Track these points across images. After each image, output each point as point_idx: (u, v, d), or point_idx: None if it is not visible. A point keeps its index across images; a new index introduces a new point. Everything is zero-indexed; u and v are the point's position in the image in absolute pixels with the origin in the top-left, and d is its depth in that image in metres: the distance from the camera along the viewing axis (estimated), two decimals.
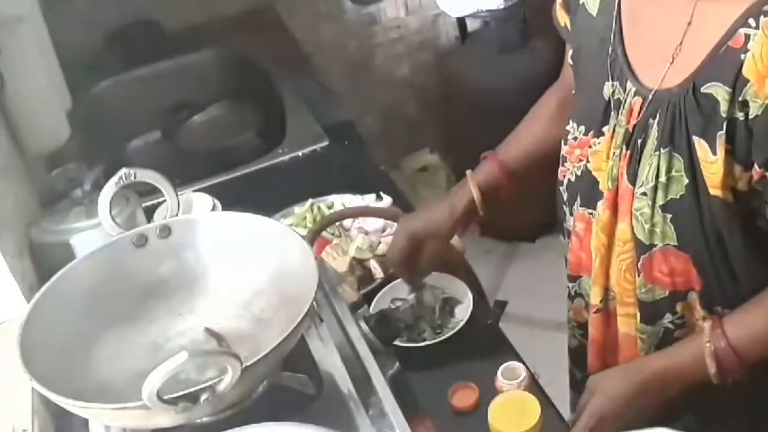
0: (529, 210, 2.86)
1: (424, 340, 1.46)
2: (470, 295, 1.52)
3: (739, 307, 1.16)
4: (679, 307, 1.20)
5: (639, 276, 1.19)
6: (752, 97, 1.03)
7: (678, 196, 1.12)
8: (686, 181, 1.11)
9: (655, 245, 1.16)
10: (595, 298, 1.27)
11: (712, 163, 1.08)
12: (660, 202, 1.13)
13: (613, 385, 1.19)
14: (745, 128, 1.05)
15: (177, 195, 1.23)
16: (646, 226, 1.15)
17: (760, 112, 1.03)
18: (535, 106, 1.48)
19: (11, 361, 1.01)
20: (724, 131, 1.06)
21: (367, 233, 1.68)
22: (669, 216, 1.13)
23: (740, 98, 1.04)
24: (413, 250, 1.41)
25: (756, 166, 1.07)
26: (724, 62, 1.05)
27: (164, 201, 1.24)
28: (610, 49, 1.20)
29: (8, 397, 1.20)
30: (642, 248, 1.17)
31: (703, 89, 1.07)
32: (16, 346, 1.02)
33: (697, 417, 1.27)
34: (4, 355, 1.22)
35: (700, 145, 1.08)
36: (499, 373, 1.31)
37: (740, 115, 1.05)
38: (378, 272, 1.61)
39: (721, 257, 1.14)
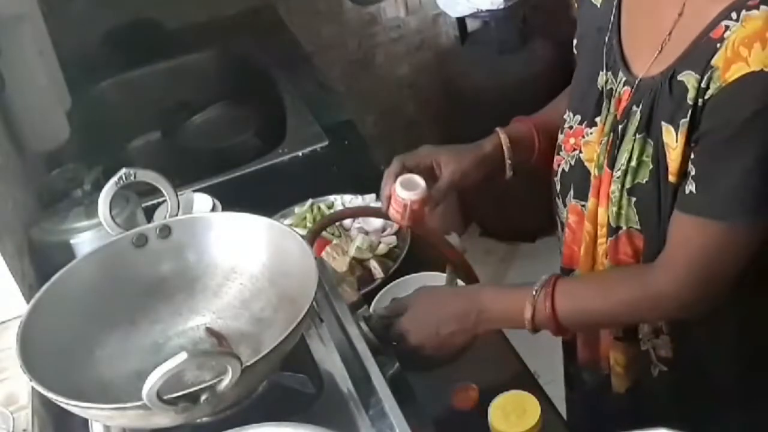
0: (529, 210, 2.86)
1: None
2: None
3: (577, 276, 1.20)
4: None
5: (606, 259, 1.20)
6: (714, 80, 1.04)
7: (643, 181, 1.13)
8: (651, 166, 1.12)
9: (621, 228, 1.17)
10: None
11: (674, 149, 1.09)
12: (627, 185, 1.15)
13: (429, 307, 1.24)
14: (700, 111, 1.06)
15: (177, 195, 1.23)
16: (614, 209, 1.16)
17: (714, 93, 1.04)
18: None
19: (11, 361, 1.01)
20: (687, 119, 1.07)
21: (367, 233, 1.68)
22: (633, 199, 1.15)
23: (704, 85, 1.05)
24: (433, 159, 1.32)
25: (691, 142, 1.07)
26: (701, 52, 1.06)
27: (164, 201, 1.24)
28: (606, 39, 1.21)
29: (8, 397, 1.20)
30: (610, 231, 1.19)
31: (678, 77, 1.08)
32: (16, 346, 1.02)
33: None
34: (4, 355, 1.22)
35: (668, 132, 1.10)
36: (397, 183, 1.26)
37: (700, 101, 1.06)
38: (378, 272, 1.61)
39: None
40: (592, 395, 1.41)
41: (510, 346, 1.45)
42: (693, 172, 1.07)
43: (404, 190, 1.25)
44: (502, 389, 1.27)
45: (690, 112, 1.06)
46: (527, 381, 1.36)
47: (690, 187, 1.07)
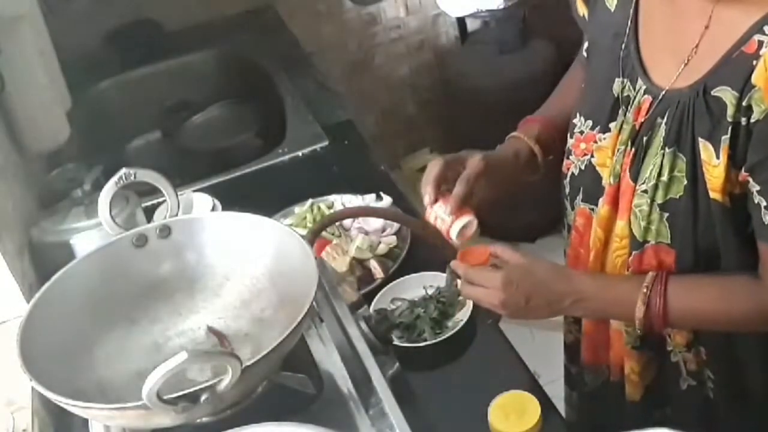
0: (529, 210, 2.86)
1: (424, 340, 1.46)
2: None
3: (690, 276, 1.15)
4: None
5: (628, 271, 1.19)
6: (756, 102, 1.03)
7: (677, 197, 1.12)
8: (685, 182, 1.11)
9: (648, 242, 1.16)
10: None
11: (715, 167, 1.08)
12: (659, 200, 1.13)
13: (528, 275, 1.18)
14: (745, 132, 1.05)
15: (177, 195, 1.23)
16: (643, 223, 1.15)
17: (761, 117, 1.03)
18: (566, 75, 1.45)
19: (11, 361, 1.01)
20: (728, 136, 1.06)
21: (367, 233, 1.68)
22: (666, 215, 1.13)
23: (744, 103, 1.04)
24: (483, 170, 1.28)
25: (743, 169, 1.07)
26: (736, 67, 1.05)
27: (164, 201, 1.24)
28: (623, 45, 1.20)
29: (8, 397, 1.20)
30: (635, 244, 1.17)
31: (713, 92, 1.07)
32: (16, 346, 1.02)
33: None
34: (4, 355, 1.22)
35: (706, 148, 1.08)
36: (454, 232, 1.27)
37: (743, 120, 1.04)
38: (378, 272, 1.61)
39: (706, 260, 1.14)
40: (596, 398, 1.41)
41: (510, 346, 1.45)
42: (765, 203, 1.06)
43: (458, 239, 1.27)
44: (502, 389, 1.28)
45: (730, 129, 1.05)
46: (527, 381, 1.36)
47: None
